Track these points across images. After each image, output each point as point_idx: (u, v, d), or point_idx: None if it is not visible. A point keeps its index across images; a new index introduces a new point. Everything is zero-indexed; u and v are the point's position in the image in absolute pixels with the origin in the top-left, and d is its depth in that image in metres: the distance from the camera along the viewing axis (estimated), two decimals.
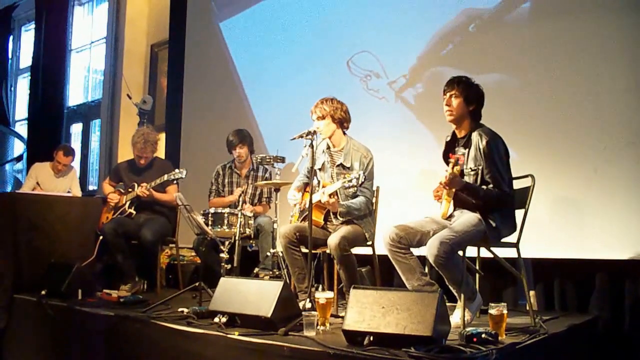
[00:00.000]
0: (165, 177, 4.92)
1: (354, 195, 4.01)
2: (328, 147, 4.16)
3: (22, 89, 10.55)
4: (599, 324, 3.84)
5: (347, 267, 3.79)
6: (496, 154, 3.29)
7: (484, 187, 3.29)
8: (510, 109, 4.34)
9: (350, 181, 3.71)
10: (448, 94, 3.42)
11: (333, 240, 3.74)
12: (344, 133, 4.15)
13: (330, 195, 3.87)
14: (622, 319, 3.85)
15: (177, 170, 4.88)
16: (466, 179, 3.35)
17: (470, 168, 3.35)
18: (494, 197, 3.27)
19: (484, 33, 4.58)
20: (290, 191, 4.27)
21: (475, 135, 3.35)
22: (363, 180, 3.73)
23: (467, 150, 3.40)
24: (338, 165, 4.08)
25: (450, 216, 3.47)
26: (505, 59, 4.48)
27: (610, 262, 3.85)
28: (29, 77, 9.61)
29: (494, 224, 3.28)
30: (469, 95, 3.40)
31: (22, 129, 10.05)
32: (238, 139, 5.15)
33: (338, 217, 3.97)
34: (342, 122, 4.11)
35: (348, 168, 4.02)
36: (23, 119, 10.14)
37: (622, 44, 3.94)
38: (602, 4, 4.07)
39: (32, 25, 9.90)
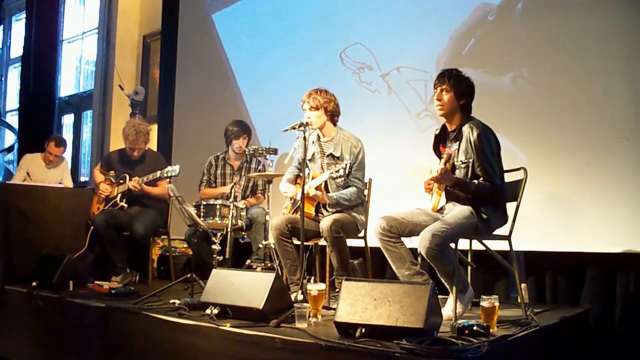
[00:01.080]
0: (158, 173, 4.86)
1: (345, 186, 4.00)
2: (318, 138, 4.16)
3: (12, 79, 10.48)
4: (590, 316, 3.85)
5: (339, 251, 3.80)
6: (487, 146, 3.29)
7: (475, 181, 3.28)
8: (502, 102, 4.35)
9: (337, 171, 3.72)
10: (439, 89, 3.40)
11: (325, 223, 3.75)
12: (334, 125, 4.15)
13: (317, 188, 3.87)
14: (613, 311, 3.88)
15: (170, 168, 4.79)
16: (457, 172, 3.34)
17: (461, 161, 3.34)
18: (485, 191, 3.27)
19: (476, 28, 4.58)
20: (282, 183, 4.25)
21: (465, 128, 3.34)
22: (350, 170, 3.73)
23: (457, 143, 3.39)
24: (328, 155, 4.07)
25: (441, 209, 3.47)
26: (498, 53, 4.47)
27: (602, 255, 3.87)
28: (20, 68, 9.55)
29: (485, 216, 3.29)
30: (460, 89, 3.38)
31: (13, 119, 10.00)
32: (241, 129, 5.12)
33: (328, 208, 3.97)
34: (334, 115, 4.10)
35: (338, 158, 4.01)
36: (14, 109, 10.09)
37: (616, 38, 3.94)
38: None
39: (23, 15, 9.83)
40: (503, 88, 4.38)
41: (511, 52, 4.39)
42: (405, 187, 4.61)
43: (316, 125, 4.05)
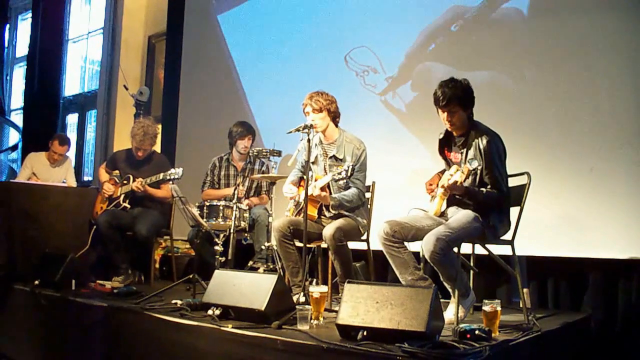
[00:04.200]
0: (161, 176, 4.88)
1: (346, 187, 4.00)
2: (321, 141, 4.16)
3: (17, 78, 10.52)
4: (592, 322, 3.85)
5: (342, 258, 3.80)
6: (496, 153, 3.28)
7: (483, 190, 3.28)
8: (506, 108, 4.35)
9: (339, 174, 3.72)
10: (446, 112, 3.33)
11: (328, 231, 3.75)
12: (336, 126, 4.15)
13: (321, 189, 3.87)
14: (614, 318, 3.87)
15: (172, 171, 4.79)
16: (466, 180, 3.32)
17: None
18: (493, 199, 3.27)
19: (480, 31, 4.59)
20: (285, 185, 4.25)
21: (474, 135, 3.33)
22: (352, 172, 3.73)
23: (465, 150, 3.38)
24: (331, 157, 4.07)
25: (443, 213, 3.47)
26: (501, 58, 4.48)
27: (605, 261, 3.86)
28: (25, 67, 9.57)
29: (491, 223, 3.29)
30: (467, 101, 3.35)
31: (17, 118, 10.02)
32: (245, 130, 5.13)
33: (330, 210, 3.97)
34: (335, 116, 4.11)
35: (341, 160, 4.01)
36: (18, 108, 10.11)
37: (619, 44, 3.94)
38: (601, 3, 4.07)
39: (29, 14, 9.87)
40: (505, 96, 4.37)
41: (515, 56, 4.39)
42: (408, 189, 4.60)
43: (320, 128, 4.05)
